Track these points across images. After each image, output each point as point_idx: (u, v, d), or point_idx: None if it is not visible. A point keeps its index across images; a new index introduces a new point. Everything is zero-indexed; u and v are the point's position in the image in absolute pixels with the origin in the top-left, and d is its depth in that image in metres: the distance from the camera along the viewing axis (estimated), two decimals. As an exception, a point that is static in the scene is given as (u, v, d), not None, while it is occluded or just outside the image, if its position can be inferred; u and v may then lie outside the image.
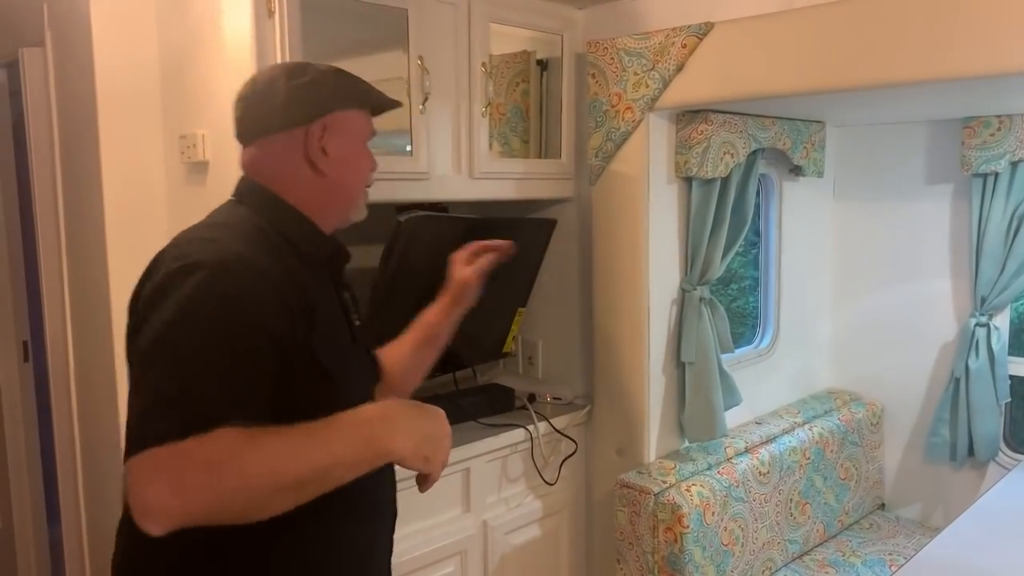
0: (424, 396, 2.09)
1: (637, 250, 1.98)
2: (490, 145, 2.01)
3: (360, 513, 1.15)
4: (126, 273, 1.33)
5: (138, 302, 1.03)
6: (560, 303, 2.22)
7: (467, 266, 1.48)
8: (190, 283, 0.96)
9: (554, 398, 2.19)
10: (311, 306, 1.04)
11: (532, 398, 2.17)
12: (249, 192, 1.15)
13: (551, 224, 2.10)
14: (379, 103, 1.24)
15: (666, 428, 2.09)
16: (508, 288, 2.10)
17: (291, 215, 1.14)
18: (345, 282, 1.22)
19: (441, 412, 1.11)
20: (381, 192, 1.72)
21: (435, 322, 1.47)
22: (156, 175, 1.81)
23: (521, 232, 2.07)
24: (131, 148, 1.79)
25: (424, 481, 1.11)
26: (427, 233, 1.72)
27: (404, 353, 1.44)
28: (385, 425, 1.02)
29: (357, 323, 1.23)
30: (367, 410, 1.03)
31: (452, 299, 1.47)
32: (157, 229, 1.80)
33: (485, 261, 1.50)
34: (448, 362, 2.04)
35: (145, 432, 0.89)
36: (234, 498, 0.89)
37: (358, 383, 1.18)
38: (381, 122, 1.86)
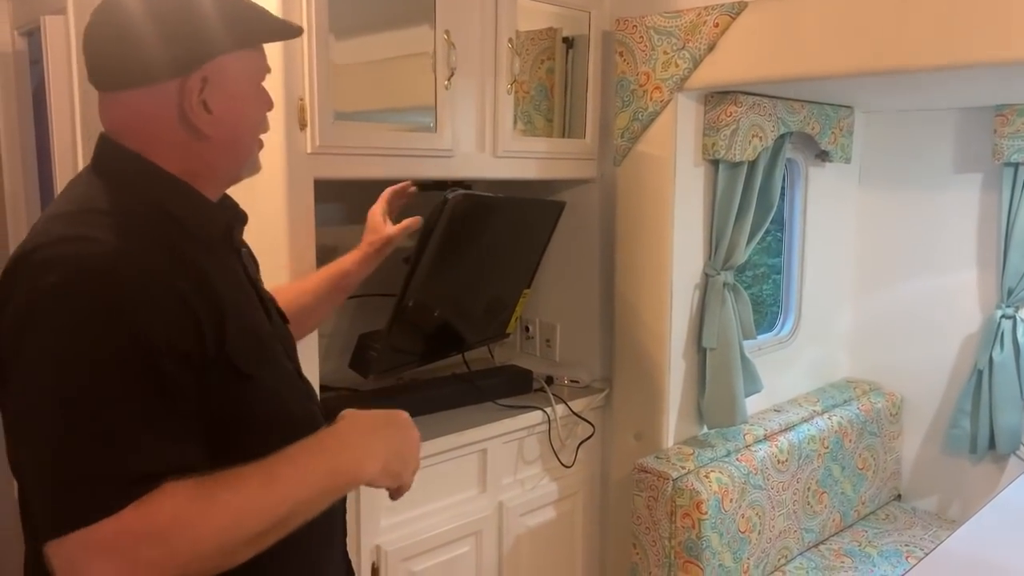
0: (440, 376, 2.09)
1: (662, 233, 1.95)
2: (514, 123, 1.98)
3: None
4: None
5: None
6: (579, 286, 2.20)
7: (384, 215, 1.52)
8: (65, 307, 0.78)
9: (571, 381, 2.17)
10: (218, 304, 0.88)
11: (549, 380, 2.15)
12: (114, 159, 0.93)
13: (559, 207, 2.08)
14: (274, 32, 1.03)
15: (685, 414, 2.07)
16: (513, 269, 2.09)
17: (172, 186, 0.93)
18: (235, 238, 1.04)
19: (405, 416, 1.03)
20: (404, 169, 1.71)
21: (352, 272, 1.48)
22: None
23: (530, 214, 2.05)
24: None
25: (397, 494, 1.03)
26: (468, 211, 1.71)
27: (306, 294, 1.42)
28: (347, 450, 0.92)
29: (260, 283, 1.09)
30: (323, 438, 0.92)
31: (375, 252, 1.49)
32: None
33: (413, 222, 1.53)
34: (451, 343, 2.04)
35: (70, 507, 0.75)
36: (190, 565, 0.78)
37: (283, 363, 1.04)
38: (403, 98, 1.86)
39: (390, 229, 1.51)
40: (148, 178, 0.92)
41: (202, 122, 0.93)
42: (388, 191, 1.58)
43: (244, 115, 0.99)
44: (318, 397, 1.23)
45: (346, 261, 1.48)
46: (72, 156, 1.94)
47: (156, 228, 0.89)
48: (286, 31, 1.04)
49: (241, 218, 1.07)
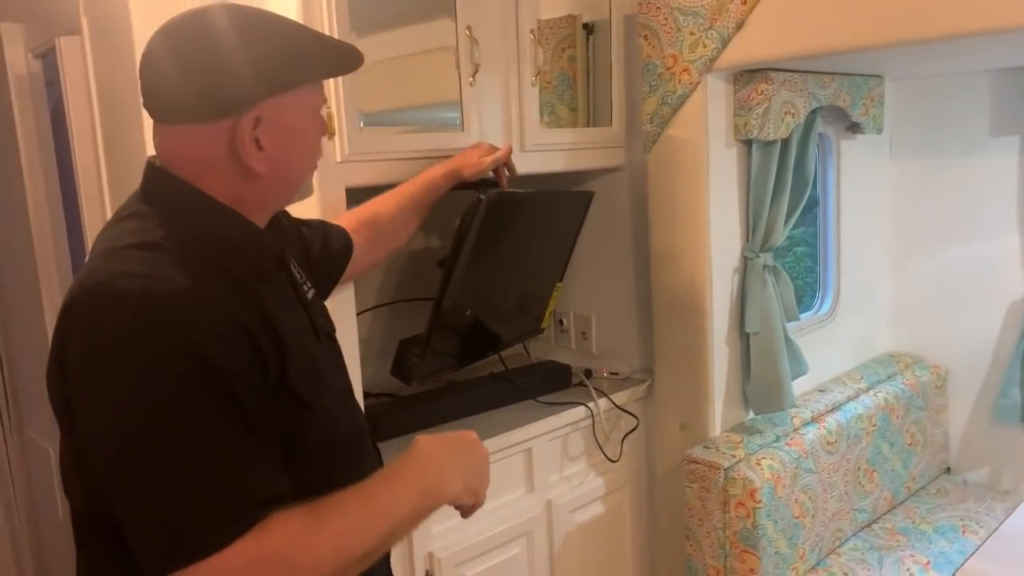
0: (478, 376, 2.06)
1: (697, 217, 1.91)
2: (540, 116, 1.94)
3: None
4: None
5: (62, 363, 0.83)
6: (613, 276, 2.16)
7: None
8: (138, 346, 0.77)
9: (611, 373, 2.14)
10: (279, 335, 0.89)
11: (588, 374, 2.12)
12: (165, 187, 0.92)
13: (587, 197, 2.04)
14: (333, 68, 1.02)
15: (730, 401, 2.03)
16: (545, 262, 2.05)
17: (225, 216, 0.92)
18: (286, 260, 1.04)
19: (474, 436, 1.06)
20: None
21: (439, 186, 1.54)
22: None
23: (559, 206, 2.01)
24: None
25: (471, 511, 1.07)
26: (501, 209, 1.67)
27: (383, 218, 1.49)
28: (437, 472, 0.96)
29: (310, 293, 1.08)
30: (414, 461, 0.96)
31: (460, 171, 1.56)
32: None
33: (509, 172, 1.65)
34: (487, 343, 2.01)
35: (192, 540, 0.77)
36: None
37: (336, 384, 1.06)
38: (427, 94, 1.82)
39: (482, 161, 1.59)
40: (201, 208, 0.91)
41: (253, 160, 0.91)
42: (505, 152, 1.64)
43: (297, 150, 0.97)
44: (362, 408, 1.22)
45: (434, 174, 1.55)
46: (96, 175, 1.92)
47: (215, 260, 0.88)
48: (345, 64, 1.01)
49: (290, 239, 1.07)
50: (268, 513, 0.80)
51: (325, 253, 1.34)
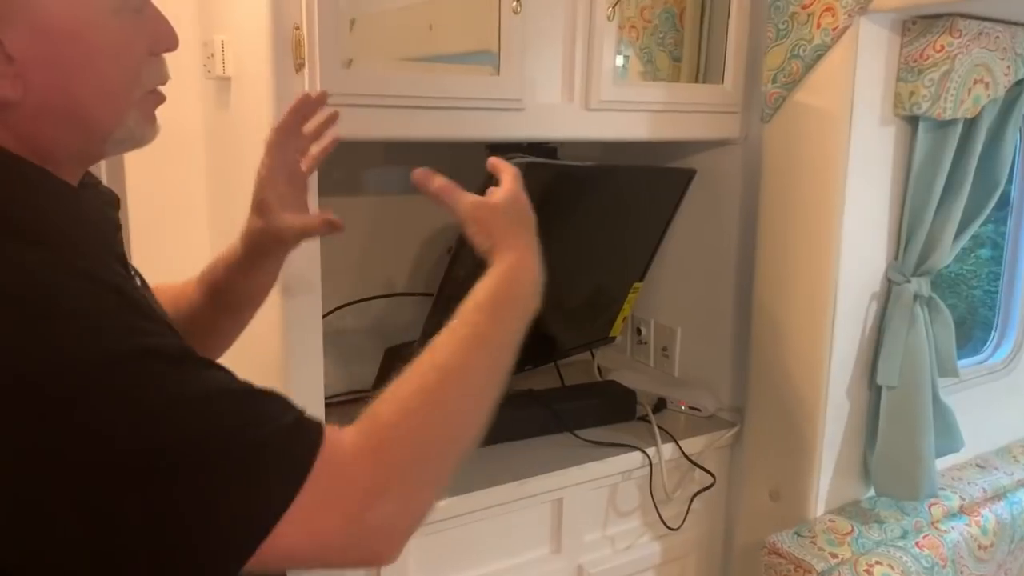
0: (518, 391, 1.63)
1: (826, 218, 1.38)
2: (623, 62, 1.46)
3: None
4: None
5: None
6: (709, 283, 1.65)
7: (288, 199, 0.91)
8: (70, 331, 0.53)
9: (691, 408, 1.65)
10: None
11: (661, 404, 1.64)
12: None
13: (687, 177, 1.54)
14: None
15: (844, 471, 1.50)
16: (623, 256, 1.58)
17: (30, 176, 0.62)
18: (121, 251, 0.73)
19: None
20: (452, 125, 1.23)
21: (222, 279, 0.95)
22: (191, 96, 1.42)
23: (644, 186, 1.53)
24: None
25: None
26: (540, 186, 1.22)
27: (183, 301, 0.96)
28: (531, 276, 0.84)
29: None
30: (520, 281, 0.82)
31: (255, 247, 0.92)
32: (192, 165, 1.44)
33: (318, 221, 0.91)
34: (542, 348, 1.57)
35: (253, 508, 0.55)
36: (428, 456, 0.66)
37: None
38: (452, 40, 1.37)
39: (285, 219, 0.89)
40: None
41: (8, 80, 0.59)
42: (280, 123, 0.92)
43: (84, 65, 0.63)
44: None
45: (219, 262, 0.96)
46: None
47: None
48: None
49: (114, 201, 0.75)
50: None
51: None
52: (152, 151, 0.75)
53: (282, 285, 1.09)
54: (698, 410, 1.64)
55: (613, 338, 1.74)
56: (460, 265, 1.17)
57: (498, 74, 1.24)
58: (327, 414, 1.26)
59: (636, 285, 1.68)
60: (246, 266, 0.94)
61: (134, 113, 0.67)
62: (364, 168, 1.63)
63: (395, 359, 1.31)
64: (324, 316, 1.20)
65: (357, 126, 1.15)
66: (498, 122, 1.26)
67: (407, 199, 1.62)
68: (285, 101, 1.08)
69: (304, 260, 1.13)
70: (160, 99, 0.71)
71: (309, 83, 1.09)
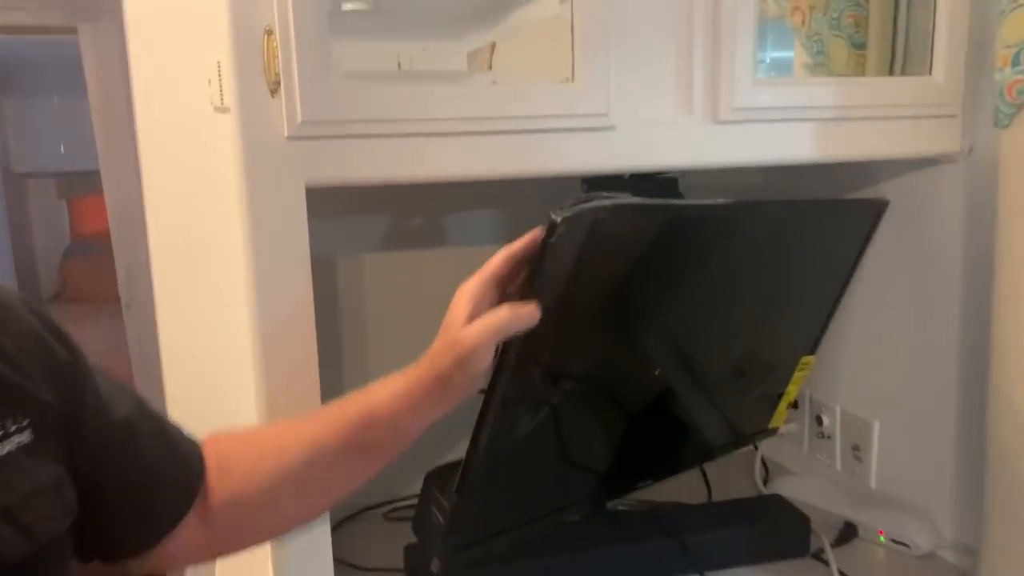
0: (636, 512, 1.22)
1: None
2: (790, 55, 1.04)
3: None
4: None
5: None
6: (920, 355, 1.16)
7: (475, 311, 0.68)
8: None
9: (894, 541, 1.15)
10: None
11: (850, 533, 1.16)
12: None
13: (875, 210, 1.08)
14: None
15: None
16: (787, 322, 1.13)
17: None
18: None
19: None
20: (503, 158, 0.87)
21: (384, 414, 0.69)
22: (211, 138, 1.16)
23: (811, 226, 1.08)
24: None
25: None
26: (630, 236, 0.83)
27: (294, 452, 0.71)
28: None
29: None
30: None
31: (438, 379, 0.68)
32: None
33: (510, 315, 0.68)
34: (675, 451, 1.15)
35: None
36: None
37: None
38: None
39: (466, 331, 0.67)
40: None
41: None
42: (503, 253, 0.72)
43: None
44: None
45: (379, 392, 0.71)
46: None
47: None
48: None
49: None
50: None
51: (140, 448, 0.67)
52: None
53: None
54: (905, 546, 1.14)
55: (774, 430, 1.28)
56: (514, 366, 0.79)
57: (572, 81, 0.87)
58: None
59: (805, 359, 1.22)
60: (427, 391, 0.69)
61: None
62: (445, 212, 1.31)
63: (434, 487, 0.95)
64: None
65: (366, 164, 0.82)
66: (575, 148, 0.88)
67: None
68: (254, 138, 0.78)
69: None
70: None
71: (287, 105, 0.78)
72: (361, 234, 1.29)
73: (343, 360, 1.29)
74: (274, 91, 0.78)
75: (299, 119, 0.78)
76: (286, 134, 0.78)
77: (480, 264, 0.73)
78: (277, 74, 0.78)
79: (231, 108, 0.79)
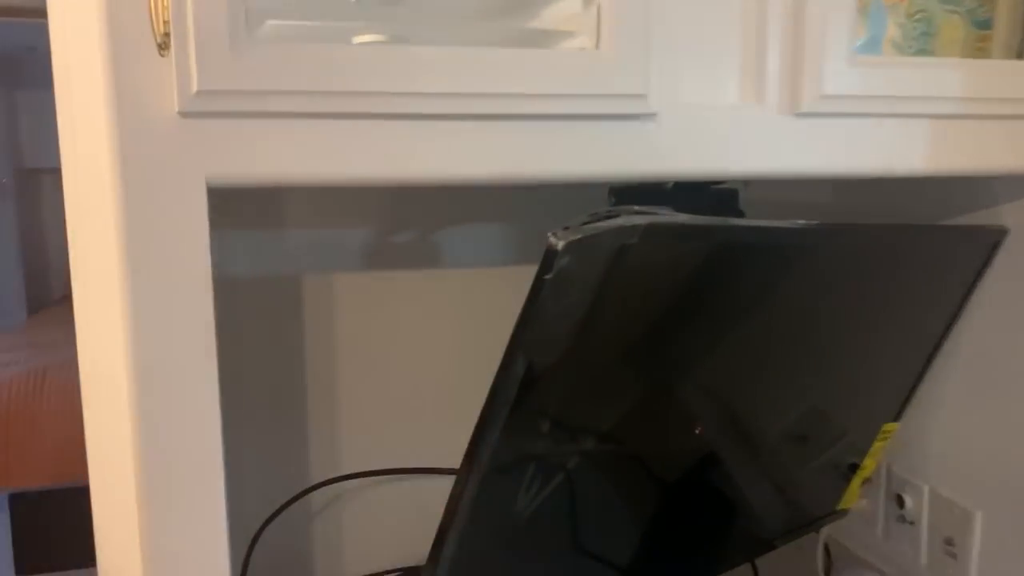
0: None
1: None
2: (880, 32, 0.79)
3: None
4: None
5: None
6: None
7: None
8: None
9: (1006, 675, 0.88)
10: None
11: (944, 658, 0.89)
12: None
13: (989, 240, 0.82)
14: None
15: None
16: (867, 381, 0.88)
17: None
18: None
19: None
20: (491, 156, 0.62)
21: None
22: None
23: (905, 258, 0.82)
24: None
25: None
26: (637, 271, 0.58)
27: None
28: None
29: None
30: None
31: None
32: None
33: None
34: (723, 538, 0.90)
35: None
36: None
37: None
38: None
39: None
40: None
41: None
42: None
43: None
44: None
45: None
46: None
47: None
48: None
49: None
50: None
51: None
52: None
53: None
54: None
55: (844, 512, 1.02)
56: (520, 352, 0.54)
57: (596, 47, 0.61)
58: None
59: (888, 427, 0.95)
60: None
61: None
62: (437, 225, 1.07)
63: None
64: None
65: (272, 154, 0.57)
66: (600, 142, 0.63)
67: (491, 274, 1.02)
68: (134, 112, 0.54)
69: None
70: None
71: (177, 69, 0.53)
72: (334, 249, 1.05)
73: (307, 401, 1.04)
74: (163, 47, 0.54)
75: (194, 88, 0.53)
76: (177, 108, 0.54)
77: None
78: (166, 23, 0.53)
79: (99, 72, 0.55)
